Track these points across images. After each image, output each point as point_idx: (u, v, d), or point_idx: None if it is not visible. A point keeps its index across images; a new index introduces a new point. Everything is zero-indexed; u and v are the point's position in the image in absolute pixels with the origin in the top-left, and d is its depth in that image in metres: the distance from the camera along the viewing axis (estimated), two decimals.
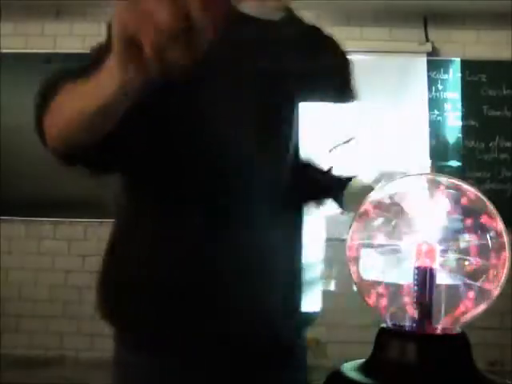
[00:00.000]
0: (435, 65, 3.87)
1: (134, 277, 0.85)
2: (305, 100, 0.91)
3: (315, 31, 1.01)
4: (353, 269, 0.62)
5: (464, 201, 0.59)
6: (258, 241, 0.86)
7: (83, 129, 0.67)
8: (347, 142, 1.05)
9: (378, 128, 3.79)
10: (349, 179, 0.95)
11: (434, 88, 3.83)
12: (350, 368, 0.59)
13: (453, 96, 3.84)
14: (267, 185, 0.87)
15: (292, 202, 0.93)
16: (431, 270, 0.57)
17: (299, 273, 0.94)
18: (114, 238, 0.89)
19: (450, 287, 0.59)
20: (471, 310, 0.58)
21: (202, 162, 0.83)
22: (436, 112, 3.84)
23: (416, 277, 0.57)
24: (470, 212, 0.59)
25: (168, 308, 0.83)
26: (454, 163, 3.80)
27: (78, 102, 0.66)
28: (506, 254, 0.58)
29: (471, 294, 0.58)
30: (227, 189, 0.83)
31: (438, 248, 0.58)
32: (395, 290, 0.60)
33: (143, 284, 0.85)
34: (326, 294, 3.89)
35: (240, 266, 0.84)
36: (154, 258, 0.85)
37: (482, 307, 0.58)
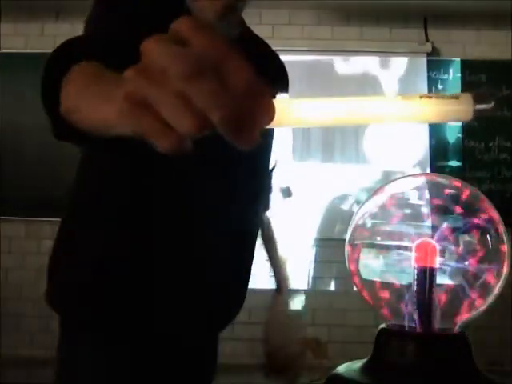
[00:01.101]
0: (435, 65, 3.87)
1: (79, 267, 0.88)
2: None
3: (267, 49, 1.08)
4: (353, 269, 0.62)
5: (464, 201, 0.59)
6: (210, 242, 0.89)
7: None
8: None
9: (378, 128, 3.79)
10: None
11: (433, 88, 3.83)
12: (349, 368, 0.59)
13: None
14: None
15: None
16: (431, 269, 0.57)
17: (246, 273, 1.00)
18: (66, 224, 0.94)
19: (449, 287, 0.59)
20: (471, 309, 0.58)
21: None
22: None
23: (416, 277, 0.57)
24: (469, 212, 0.59)
25: (113, 296, 0.85)
26: (454, 163, 3.80)
27: (84, 104, 0.58)
28: (506, 254, 0.58)
29: (471, 294, 0.58)
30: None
31: (438, 248, 0.58)
32: (395, 290, 0.60)
33: (88, 273, 0.87)
34: (327, 294, 3.91)
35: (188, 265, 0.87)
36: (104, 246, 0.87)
37: (482, 307, 0.58)
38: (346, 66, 3.76)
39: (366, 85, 3.77)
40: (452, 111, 0.37)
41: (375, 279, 0.61)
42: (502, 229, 0.59)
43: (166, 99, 0.34)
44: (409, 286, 0.58)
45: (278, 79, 1.07)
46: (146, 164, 0.83)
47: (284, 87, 1.10)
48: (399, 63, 3.88)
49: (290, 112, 0.37)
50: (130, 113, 0.37)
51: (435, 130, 3.82)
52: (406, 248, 0.59)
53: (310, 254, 3.79)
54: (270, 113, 0.35)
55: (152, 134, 0.36)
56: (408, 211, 0.61)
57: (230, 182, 0.91)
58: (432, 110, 0.36)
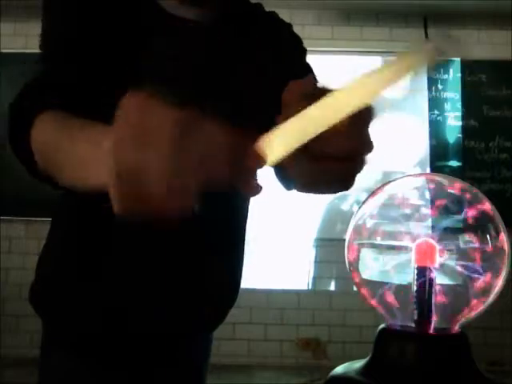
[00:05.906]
0: (435, 65, 3.87)
1: (58, 269, 0.87)
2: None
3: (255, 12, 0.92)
4: (353, 269, 0.62)
5: (464, 201, 0.59)
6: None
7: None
8: None
9: (378, 128, 3.78)
10: None
11: (433, 88, 3.83)
12: (349, 368, 0.59)
13: (453, 96, 3.84)
14: None
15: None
16: (431, 269, 0.57)
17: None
18: (52, 232, 0.94)
19: (449, 287, 0.59)
20: (471, 309, 0.58)
21: None
22: (436, 112, 3.84)
23: (416, 277, 0.57)
24: (469, 212, 0.59)
25: (92, 305, 0.83)
26: (454, 163, 3.80)
27: (62, 162, 0.57)
28: (506, 254, 0.58)
29: (471, 294, 0.58)
30: None
31: (438, 248, 0.58)
32: (395, 289, 0.60)
33: (70, 277, 0.85)
34: (326, 294, 3.91)
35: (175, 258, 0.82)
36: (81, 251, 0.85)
37: (481, 307, 0.58)
38: (346, 65, 3.76)
39: None
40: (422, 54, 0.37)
41: (375, 279, 0.61)
42: (501, 229, 0.59)
43: (157, 191, 0.36)
44: (409, 285, 0.58)
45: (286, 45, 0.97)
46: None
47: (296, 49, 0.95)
48: None
49: (282, 145, 0.38)
50: (124, 196, 0.38)
51: (435, 130, 3.82)
52: (406, 248, 0.59)
53: (310, 254, 3.79)
54: (259, 160, 0.38)
55: (145, 216, 0.38)
56: (408, 211, 0.61)
57: None
58: (407, 62, 0.37)
